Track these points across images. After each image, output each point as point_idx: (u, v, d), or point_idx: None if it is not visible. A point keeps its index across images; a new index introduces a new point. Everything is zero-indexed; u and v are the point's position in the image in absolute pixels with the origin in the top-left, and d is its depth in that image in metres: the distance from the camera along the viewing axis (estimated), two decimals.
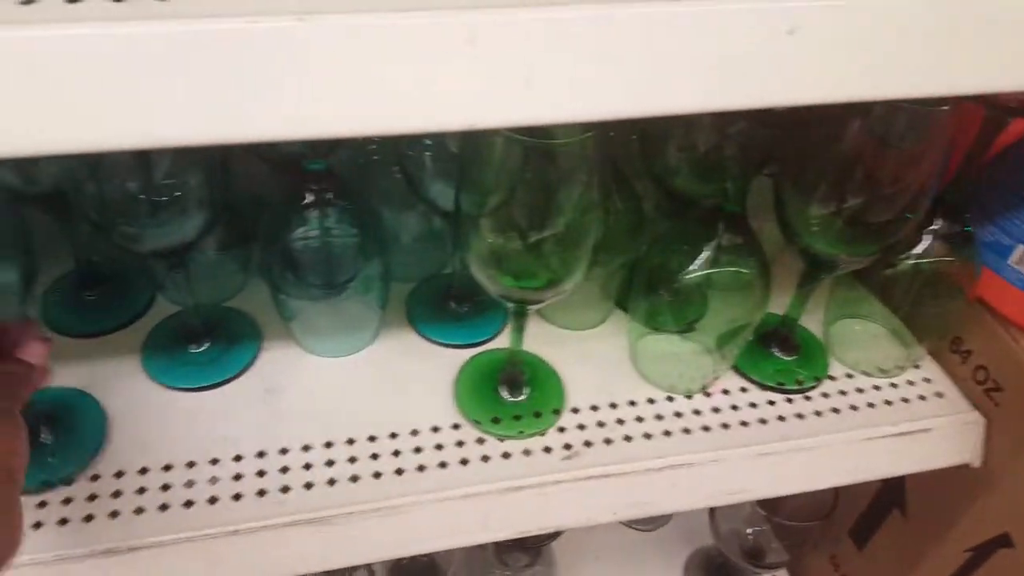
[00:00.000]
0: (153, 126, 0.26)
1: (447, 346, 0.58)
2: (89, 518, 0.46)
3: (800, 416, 0.54)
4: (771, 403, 0.55)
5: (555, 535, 0.66)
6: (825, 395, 0.56)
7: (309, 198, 0.50)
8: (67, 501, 0.46)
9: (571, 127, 0.37)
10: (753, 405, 0.55)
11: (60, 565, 0.44)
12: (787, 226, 0.49)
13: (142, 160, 0.42)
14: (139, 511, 0.46)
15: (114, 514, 0.46)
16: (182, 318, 0.57)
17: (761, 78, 0.30)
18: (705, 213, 0.49)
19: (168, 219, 0.45)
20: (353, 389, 0.55)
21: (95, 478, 0.48)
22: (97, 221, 0.44)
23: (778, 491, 0.54)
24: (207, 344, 0.55)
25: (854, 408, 0.55)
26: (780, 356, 0.57)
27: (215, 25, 0.25)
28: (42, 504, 0.46)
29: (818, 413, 0.54)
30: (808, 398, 0.55)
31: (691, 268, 0.50)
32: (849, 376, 0.58)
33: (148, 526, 0.46)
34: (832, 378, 0.57)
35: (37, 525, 0.45)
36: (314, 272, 0.54)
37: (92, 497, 0.47)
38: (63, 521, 0.45)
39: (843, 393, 0.56)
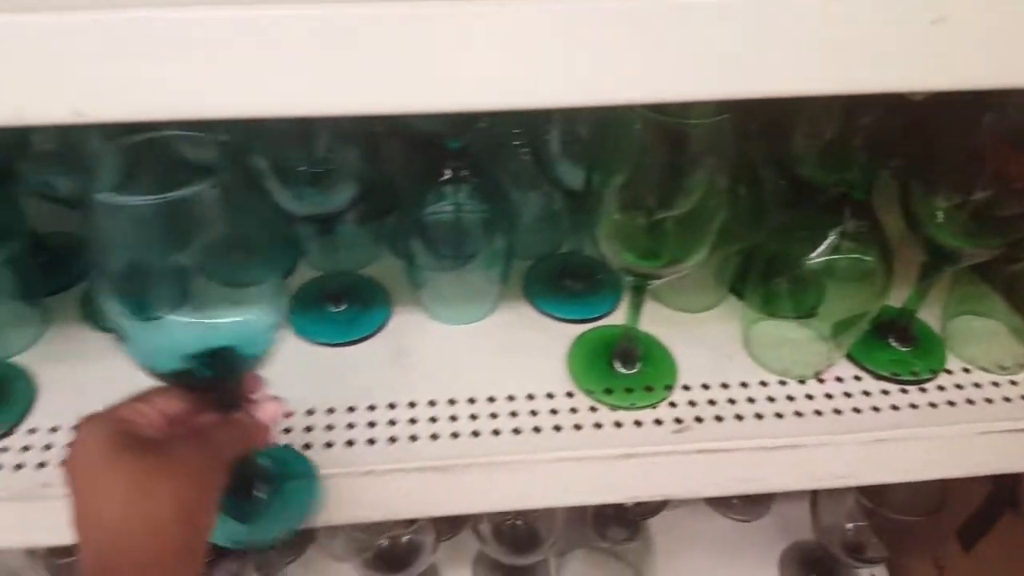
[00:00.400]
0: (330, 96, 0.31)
1: (562, 320, 0.61)
2: None
3: (914, 406, 0.54)
4: (885, 392, 0.55)
5: (655, 511, 0.68)
6: (941, 388, 0.55)
7: (446, 175, 0.55)
8: None
9: (705, 109, 0.40)
10: (866, 393, 0.55)
11: None
12: (911, 217, 0.50)
13: (307, 134, 0.47)
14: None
15: None
16: (323, 281, 0.63)
17: (904, 63, 0.31)
18: (830, 200, 0.50)
19: (324, 188, 0.50)
20: (474, 354, 0.58)
21: None
22: (265, 187, 0.49)
23: (887, 478, 0.54)
24: (345, 305, 0.61)
25: (970, 402, 0.55)
26: (896, 347, 0.57)
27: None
28: None
29: (933, 405, 0.54)
30: (923, 390, 0.55)
31: (814, 254, 0.51)
32: (966, 371, 0.57)
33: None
34: (949, 372, 0.57)
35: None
36: (444, 244, 0.58)
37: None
38: None
39: (959, 387, 0.56)
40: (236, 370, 0.40)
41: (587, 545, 0.76)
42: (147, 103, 0.29)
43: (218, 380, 0.39)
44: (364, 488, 0.51)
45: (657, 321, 0.60)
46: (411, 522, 0.67)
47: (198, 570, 0.37)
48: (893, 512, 0.67)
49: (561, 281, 0.63)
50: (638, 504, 0.66)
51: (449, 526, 0.84)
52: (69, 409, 0.53)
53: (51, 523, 0.49)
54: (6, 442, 0.51)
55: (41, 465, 0.50)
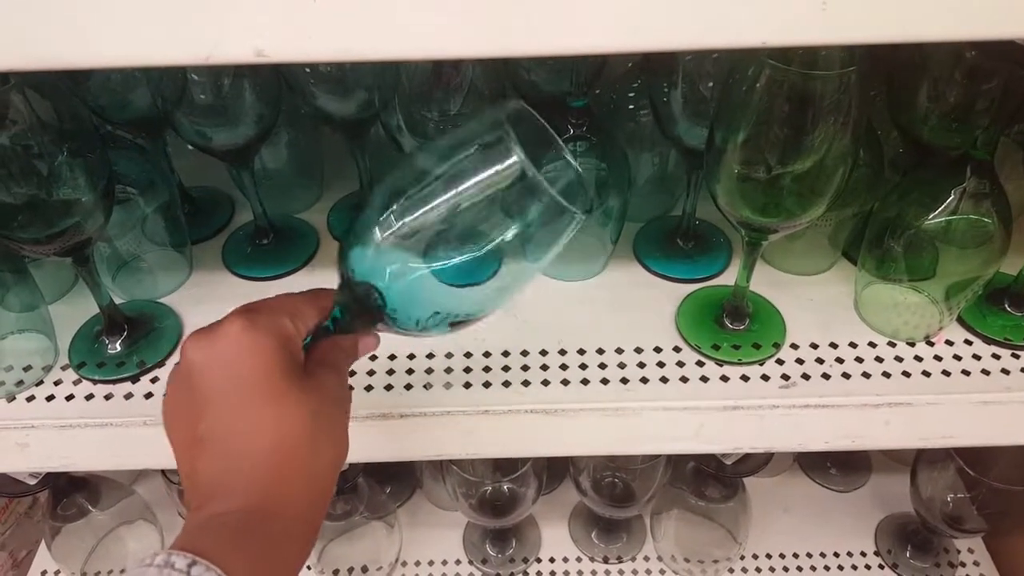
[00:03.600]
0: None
1: (671, 280, 0.63)
2: (368, 388, 0.55)
3: None
4: (996, 357, 0.55)
5: (753, 470, 0.69)
6: None
7: (567, 133, 0.57)
8: (351, 373, 0.56)
9: (831, 62, 0.41)
10: (977, 357, 0.55)
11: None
12: None
13: (440, 91, 0.51)
14: (408, 387, 0.55)
15: (388, 387, 0.55)
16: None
17: None
18: (950, 162, 0.50)
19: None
20: (584, 310, 0.61)
21: (373, 358, 0.57)
22: (397, 140, 0.53)
23: (994, 440, 0.54)
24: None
25: None
26: (1011, 312, 0.57)
27: None
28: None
29: None
30: None
31: (933, 214, 0.51)
32: None
33: (417, 399, 0.54)
34: None
35: None
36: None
37: (371, 372, 0.56)
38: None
39: None
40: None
41: (683, 504, 0.78)
42: (328, 46, 0.33)
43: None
44: (481, 426, 0.54)
45: (769, 283, 0.61)
46: (514, 471, 0.70)
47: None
48: (997, 482, 0.66)
49: (672, 241, 0.65)
50: (737, 461, 0.67)
51: (549, 480, 0.87)
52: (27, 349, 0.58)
53: None
54: (159, 372, 0.57)
55: None
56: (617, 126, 0.61)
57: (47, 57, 0.33)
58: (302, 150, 0.71)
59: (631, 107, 0.61)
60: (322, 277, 0.64)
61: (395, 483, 0.90)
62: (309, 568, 0.84)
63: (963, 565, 0.81)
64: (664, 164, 0.65)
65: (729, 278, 0.61)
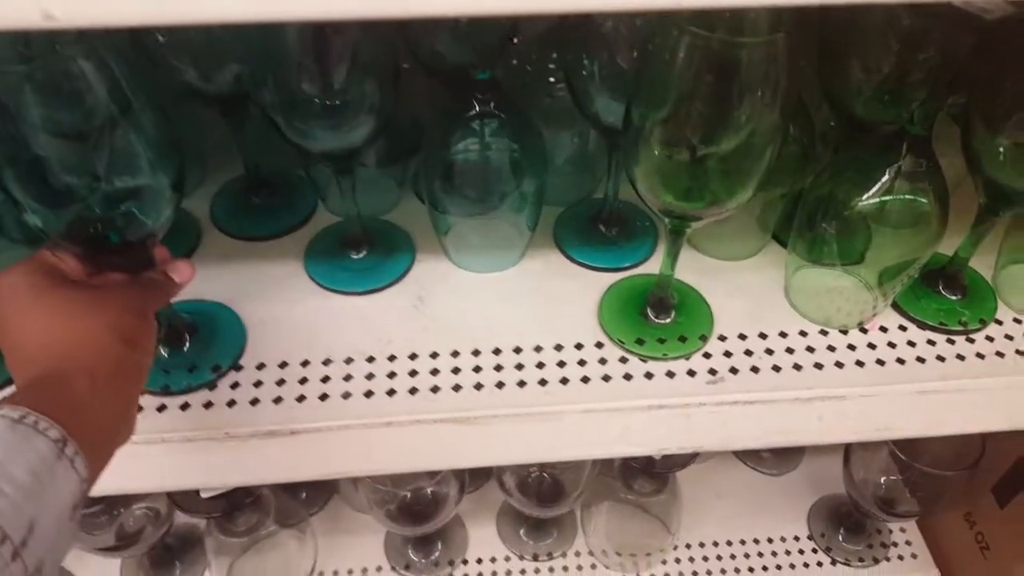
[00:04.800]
0: None
1: (593, 269, 0.58)
2: (255, 402, 0.49)
3: (961, 358, 0.51)
4: (931, 343, 0.52)
5: (684, 464, 0.66)
6: (990, 339, 0.52)
7: (473, 109, 0.51)
8: (235, 385, 0.50)
9: (757, 28, 0.36)
10: (911, 344, 0.52)
11: (228, 442, 0.48)
12: (971, 155, 0.46)
13: (321, 64, 0.44)
14: (300, 399, 0.49)
15: (277, 400, 0.49)
16: (343, 227, 0.60)
17: None
18: (885, 138, 0.46)
19: (341, 122, 0.47)
20: (499, 304, 0.56)
21: (260, 367, 0.51)
22: (274, 120, 0.46)
23: (931, 431, 0.52)
24: (365, 252, 0.58)
25: (1020, 353, 0.52)
26: (945, 296, 0.54)
27: None
28: (212, 386, 0.50)
29: (980, 356, 0.51)
30: (971, 340, 0.52)
31: (867, 194, 0.47)
32: (1018, 322, 0.54)
33: (309, 413, 0.49)
34: (999, 322, 0.54)
35: (208, 404, 0.49)
36: (470, 186, 0.55)
37: (258, 383, 0.50)
38: (231, 403, 0.49)
39: (1010, 338, 0.53)
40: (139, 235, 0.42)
41: (614, 497, 0.74)
42: (125, 8, 0.26)
43: (123, 245, 0.42)
44: (384, 440, 0.49)
45: (695, 270, 0.57)
46: (434, 474, 0.65)
47: (141, 388, 0.41)
48: (928, 466, 0.64)
49: (594, 227, 0.60)
50: (666, 457, 0.64)
51: (473, 478, 0.83)
52: None
53: None
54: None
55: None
56: (531, 102, 0.56)
57: None
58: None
59: (546, 81, 0.55)
60: (202, 275, 0.57)
61: (310, 488, 0.84)
62: None
63: (895, 546, 0.80)
64: (584, 143, 0.60)
65: (655, 265, 0.57)
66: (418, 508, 0.70)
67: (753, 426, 0.51)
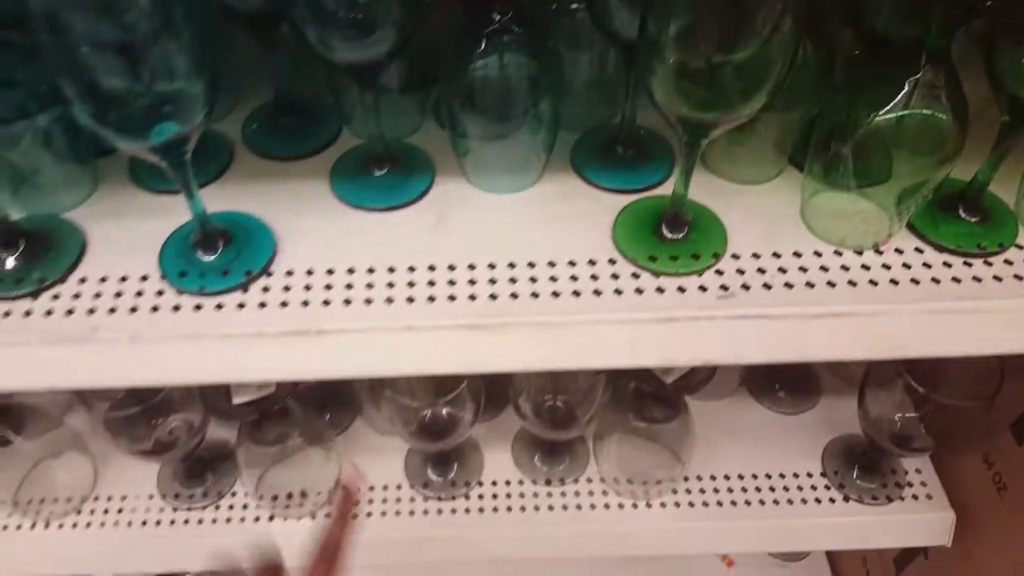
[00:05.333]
0: None
1: (609, 191, 0.59)
2: (284, 304, 0.52)
3: (978, 279, 0.51)
4: (947, 265, 0.52)
5: (695, 387, 0.67)
6: (1008, 262, 0.52)
7: (492, 28, 0.52)
8: (265, 289, 0.53)
9: None
10: (927, 265, 0.52)
11: (259, 340, 0.50)
12: (994, 71, 0.46)
13: None
14: (326, 303, 0.52)
15: (305, 303, 0.52)
16: (366, 148, 0.62)
17: None
18: (904, 53, 0.46)
19: (365, 35, 0.48)
20: (515, 222, 0.57)
21: (289, 274, 0.53)
22: (303, 34, 0.48)
23: (942, 350, 0.52)
24: (387, 171, 0.60)
25: None
26: (964, 219, 0.54)
27: None
28: (245, 289, 0.52)
29: (998, 278, 0.51)
30: (989, 263, 0.52)
31: (884, 111, 0.47)
32: None
33: (334, 316, 0.51)
34: (1019, 247, 0.53)
35: (240, 305, 0.52)
36: (488, 106, 0.56)
37: (286, 288, 0.53)
38: (262, 304, 0.52)
39: None
40: None
41: (625, 427, 0.76)
42: None
43: None
44: (404, 343, 0.51)
45: (711, 193, 0.58)
46: (450, 390, 0.67)
47: None
48: (945, 398, 0.65)
49: (610, 152, 0.61)
50: (677, 380, 0.65)
51: (489, 406, 0.85)
52: (116, 262, 0.54)
53: (98, 365, 0.51)
54: (58, 289, 0.53)
55: (91, 311, 0.51)
56: (549, 21, 0.56)
57: None
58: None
59: (565, 2, 0.56)
60: (234, 191, 0.59)
61: (334, 410, 0.87)
62: (247, 495, 0.82)
63: (910, 485, 0.81)
64: (602, 68, 0.61)
65: (671, 188, 0.58)
66: (436, 428, 0.73)
67: (763, 340, 0.51)
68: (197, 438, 0.76)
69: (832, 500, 0.80)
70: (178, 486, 0.84)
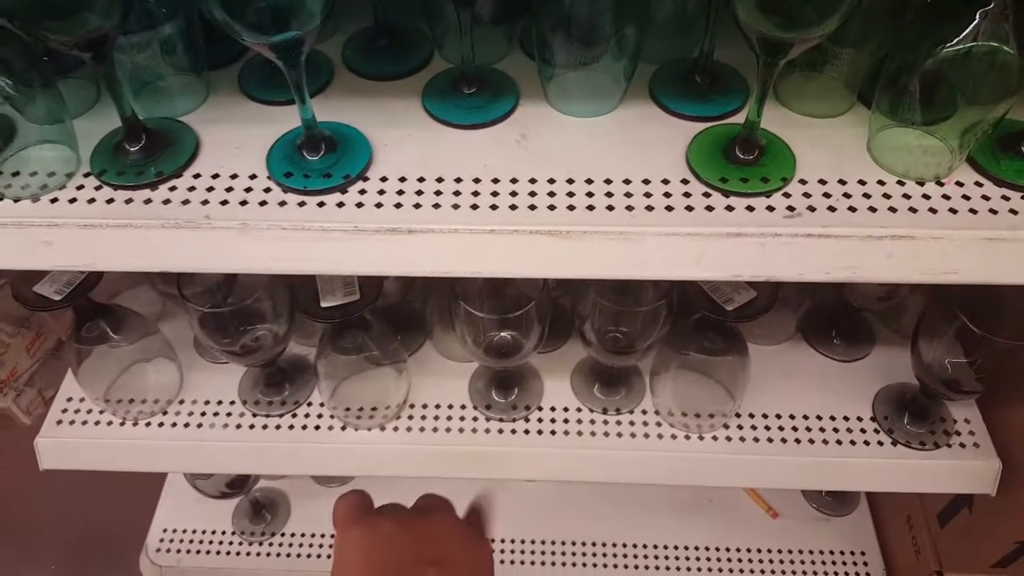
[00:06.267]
0: None
1: (685, 117, 0.62)
2: (379, 205, 0.57)
3: None
4: (1006, 198, 0.55)
5: (753, 316, 0.70)
6: None
7: None
8: (362, 192, 0.57)
9: None
10: (986, 198, 0.55)
11: (356, 235, 0.55)
12: None
13: None
14: (416, 206, 0.56)
15: (397, 206, 0.56)
16: (456, 71, 0.66)
17: None
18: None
19: None
20: (594, 144, 0.61)
21: (383, 179, 0.58)
22: None
23: (998, 278, 0.54)
24: (475, 91, 0.64)
25: None
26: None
27: None
28: (344, 190, 0.57)
29: None
30: None
31: (950, 45, 0.50)
32: None
33: (424, 217, 0.56)
34: None
35: (340, 204, 0.57)
36: (575, 35, 0.60)
37: (381, 191, 0.57)
38: (359, 204, 0.57)
39: None
40: None
41: (681, 360, 0.80)
42: None
43: None
44: (487, 244, 0.55)
45: (783, 124, 0.61)
46: (518, 318, 0.72)
47: None
48: (999, 339, 0.66)
49: (687, 82, 0.64)
50: (737, 309, 0.68)
51: (553, 338, 0.89)
52: (227, 161, 0.60)
53: (211, 250, 0.57)
54: (176, 182, 0.58)
55: (204, 202, 0.57)
56: None
57: None
58: None
59: None
60: (335, 105, 0.64)
61: (406, 332, 0.93)
62: (323, 405, 0.88)
63: (958, 434, 0.83)
64: (684, 2, 0.64)
65: (744, 119, 0.61)
66: (504, 350, 0.78)
67: (824, 259, 0.54)
68: (281, 346, 0.82)
69: (880, 443, 0.83)
70: (258, 394, 0.90)
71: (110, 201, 0.57)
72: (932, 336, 0.74)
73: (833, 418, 0.85)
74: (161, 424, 0.90)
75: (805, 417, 0.85)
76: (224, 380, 0.93)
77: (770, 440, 0.84)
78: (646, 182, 0.58)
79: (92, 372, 0.87)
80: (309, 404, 0.90)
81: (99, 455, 0.92)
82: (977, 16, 0.49)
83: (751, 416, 0.85)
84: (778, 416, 0.85)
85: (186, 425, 0.90)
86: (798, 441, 0.83)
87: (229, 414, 0.90)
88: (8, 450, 1.18)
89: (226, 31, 0.49)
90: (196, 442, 0.89)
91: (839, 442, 0.83)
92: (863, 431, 0.84)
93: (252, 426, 0.89)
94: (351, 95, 0.66)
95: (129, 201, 0.57)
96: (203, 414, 0.91)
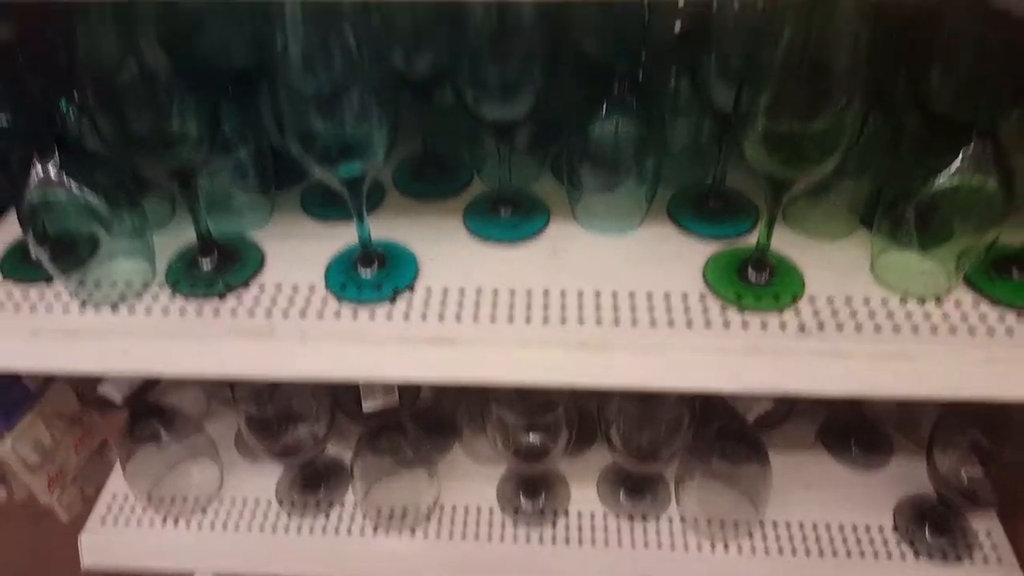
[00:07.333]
0: None
1: (701, 237, 0.69)
2: (424, 316, 0.62)
3: None
4: (1002, 319, 0.59)
5: (774, 423, 0.73)
6: None
7: (609, 100, 0.64)
8: (409, 303, 0.63)
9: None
10: (983, 318, 0.59)
11: (401, 345, 0.61)
12: None
13: (501, 58, 0.58)
14: (457, 318, 0.62)
15: (441, 317, 0.62)
16: (494, 193, 0.73)
17: None
18: (958, 129, 0.55)
19: (513, 98, 0.60)
20: (619, 259, 0.67)
21: (428, 291, 0.64)
22: (463, 95, 0.60)
23: (998, 395, 0.58)
24: (511, 212, 0.71)
25: None
26: (1016, 280, 0.61)
27: None
28: (392, 301, 0.63)
29: None
30: None
31: (939, 179, 0.56)
32: None
33: (464, 329, 0.61)
34: None
35: (389, 315, 0.62)
36: (602, 163, 0.67)
37: (426, 303, 0.63)
38: (406, 316, 0.62)
39: None
40: None
41: (706, 469, 0.82)
42: None
43: None
44: (521, 355, 0.60)
45: (791, 245, 0.67)
46: (547, 422, 0.76)
47: None
48: (1011, 454, 0.69)
49: (703, 205, 0.71)
50: (757, 419, 0.72)
51: (580, 442, 0.93)
52: (289, 273, 0.67)
53: (275, 358, 0.62)
54: (242, 292, 0.65)
55: (268, 313, 0.63)
56: (657, 94, 0.68)
57: None
58: None
59: (669, 79, 0.67)
60: (386, 222, 0.71)
61: (437, 435, 0.97)
62: (355, 507, 0.91)
63: (980, 548, 0.83)
64: (699, 135, 0.71)
65: (754, 239, 0.66)
66: (532, 451, 0.81)
67: (834, 376, 0.58)
68: (320, 447, 0.86)
69: (903, 556, 0.84)
70: (294, 494, 0.94)
71: (183, 311, 0.63)
72: (946, 447, 0.76)
73: (856, 528, 0.86)
74: (200, 526, 0.93)
75: (828, 527, 0.86)
76: (263, 480, 0.96)
77: (794, 552, 0.85)
78: (667, 297, 0.63)
79: (139, 470, 0.91)
80: (342, 505, 0.93)
81: (139, 553, 0.95)
82: (957, 158, 0.55)
83: (774, 525, 0.87)
84: (801, 526, 0.87)
85: (224, 526, 0.93)
86: (822, 553, 0.84)
87: (266, 515, 0.93)
88: (45, 547, 1.21)
89: (300, 163, 0.56)
90: (232, 544, 0.92)
91: (862, 554, 0.84)
92: (885, 542, 0.85)
93: (287, 528, 0.92)
94: (401, 214, 0.73)
95: (199, 311, 0.63)
96: (240, 515, 0.94)
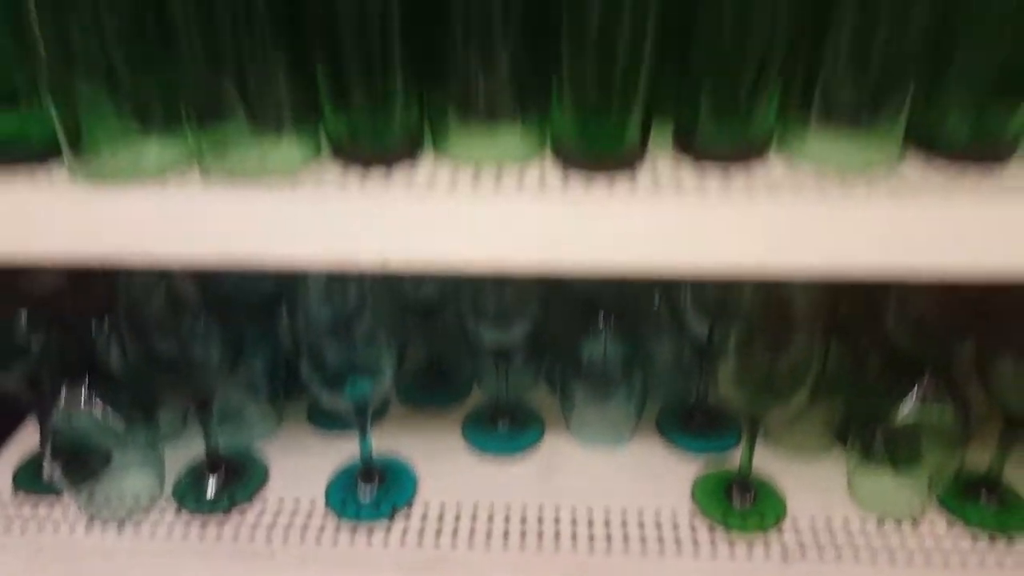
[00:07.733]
0: None
1: (688, 451, 0.73)
2: (420, 535, 0.65)
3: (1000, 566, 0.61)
4: (974, 541, 0.62)
5: None
6: None
7: (596, 329, 0.70)
8: (406, 520, 0.66)
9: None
10: (956, 544, 0.62)
11: (397, 570, 0.63)
12: (987, 384, 0.59)
13: (496, 290, 0.64)
14: (453, 536, 0.64)
15: (438, 533, 0.65)
16: (491, 405, 0.78)
17: None
18: (912, 363, 0.61)
19: (508, 324, 0.66)
20: (610, 475, 0.71)
21: (424, 509, 0.67)
22: (465, 324, 0.66)
23: None
24: (508, 424, 0.75)
25: None
26: (985, 503, 0.65)
27: None
28: (390, 517, 0.66)
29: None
30: (1011, 544, 0.62)
31: (899, 408, 0.61)
32: None
33: (460, 551, 0.63)
34: None
35: (387, 532, 0.65)
36: (592, 380, 0.72)
37: (423, 520, 0.66)
38: (403, 533, 0.65)
39: None
40: None
41: None
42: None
43: None
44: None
45: (772, 462, 0.71)
46: None
47: None
48: None
49: (688, 420, 0.76)
50: None
51: None
52: (291, 490, 0.69)
53: None
54: (246, 509, 0.67)
55: (269, 535, 0.65)
56: (640, 322, 0.73)
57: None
58: None
59: (652, 310, 0.74)
60: (387, 432, 0.75)
61: None
62: None
63: None
64: (681, 355, 0.77)
65: (739, 455, 0.70)
66: None
67: None
68: None
69: None
70: None
71: (186, 533, 0.65)
72: None
73: None
74: None
75: None
76: None
77: None
78: (658, 514, 0.66)
79: None
80: None
81: None
82: (914, 390, 0.60)
83: None
84: None
85: None
86: None
87: None
88: None
89: (310, 389, 0.60)
90: None
91: None
92: None
93: None
94: (403, 427, 0.77)
95: (203, 532, 0.65)
96: None
